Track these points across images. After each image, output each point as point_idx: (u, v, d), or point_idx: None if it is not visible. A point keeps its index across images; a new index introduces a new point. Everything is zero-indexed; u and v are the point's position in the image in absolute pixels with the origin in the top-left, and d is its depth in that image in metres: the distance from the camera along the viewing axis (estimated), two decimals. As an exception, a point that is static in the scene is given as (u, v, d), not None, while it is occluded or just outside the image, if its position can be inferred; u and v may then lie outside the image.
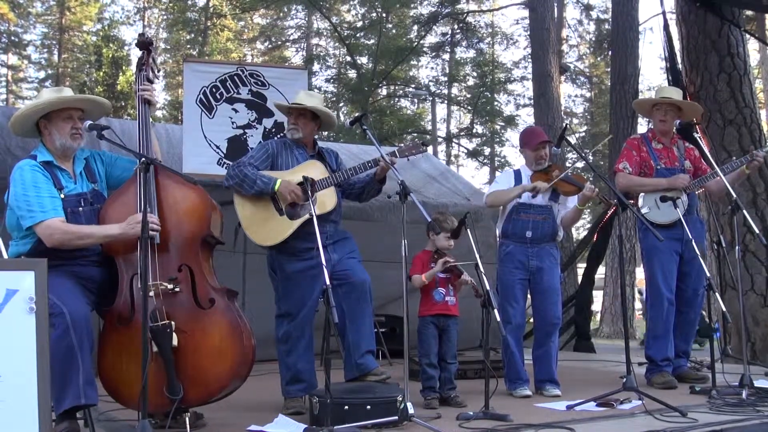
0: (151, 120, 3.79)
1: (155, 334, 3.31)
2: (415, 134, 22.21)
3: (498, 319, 3.89)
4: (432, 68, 24.48)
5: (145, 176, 3.36)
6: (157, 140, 3.88)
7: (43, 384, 2.65)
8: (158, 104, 3.86)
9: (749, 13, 10.60)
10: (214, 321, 3.44)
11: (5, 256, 3.48)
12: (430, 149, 21.16)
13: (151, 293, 3.34)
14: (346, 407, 3.54)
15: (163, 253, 3.45)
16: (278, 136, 6.71)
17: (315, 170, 4.25)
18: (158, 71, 3.88)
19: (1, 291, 2.67)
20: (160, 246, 3.39)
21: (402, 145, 4.47)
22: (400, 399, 3.60)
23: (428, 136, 22.33)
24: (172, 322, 3.36)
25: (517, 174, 5.00)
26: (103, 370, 3.38)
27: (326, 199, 4.24)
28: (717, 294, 4.52)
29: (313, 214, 3.69)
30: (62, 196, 3.43)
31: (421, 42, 19.75)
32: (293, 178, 4.18)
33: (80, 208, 3.47)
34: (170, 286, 3.40)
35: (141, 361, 3.19)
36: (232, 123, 6.92)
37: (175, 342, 3.34)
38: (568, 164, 14.43)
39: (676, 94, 5.39)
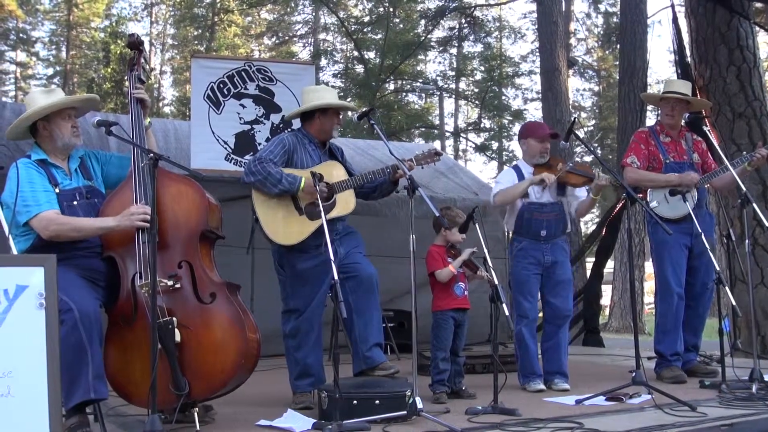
0: (149, 120, 3.84)
1: (158, 331, 3.32)
2: (423, 129, 22.19)
3: (507, 313, 3.88)
4: (439, 63, 24.50)
5: (153, 173, 3.36)
6: (153, 137, 3.91)
7: (53, 379, 2.66)
8: (150, 104, 3.93)
9: (759, 5, 10.50)
10: (215, 315, 3.44)
11: (14, 252, 3.50)
12: (437, 145, 21.16)
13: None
14: (355, 402, 3.53)
15: (163, 250, 3.44)
16: (287, 131, 6.71)
17: (336, 171, 4.32)
18: (149, 71, 3.93)
19: (11, 287, 2.69)
20: (160, 243, 3.38)
21: (418, 152, 4.50)
22: (409, 393, 3.60)
23: (436, 131, 22.32)
24: (174, 318, 3.36)
25: (517, 170, 4.97)
26: (108, 369, 3.38)
27: (348, 200, 4.31)
28: (726, 288, 4.49)
29: (323, 217, 3.68)
30: (57, 191, 3.46)
31: (429, 36, 19.72)
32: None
33: (75, 202, 3.50)
34: (170, 283, 3.40)
35: (145, 359, 3.21)
36: (240, 118, 6.93)
37: (178, 338, 3.34)
38: (576, 158, 14.38)
39: (683, 87, 5.32)
